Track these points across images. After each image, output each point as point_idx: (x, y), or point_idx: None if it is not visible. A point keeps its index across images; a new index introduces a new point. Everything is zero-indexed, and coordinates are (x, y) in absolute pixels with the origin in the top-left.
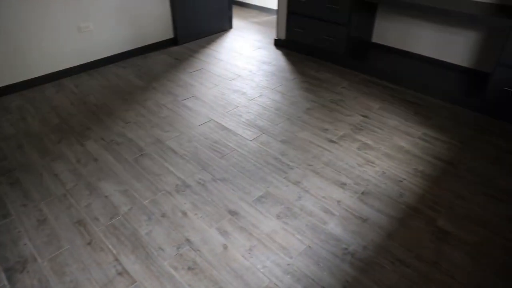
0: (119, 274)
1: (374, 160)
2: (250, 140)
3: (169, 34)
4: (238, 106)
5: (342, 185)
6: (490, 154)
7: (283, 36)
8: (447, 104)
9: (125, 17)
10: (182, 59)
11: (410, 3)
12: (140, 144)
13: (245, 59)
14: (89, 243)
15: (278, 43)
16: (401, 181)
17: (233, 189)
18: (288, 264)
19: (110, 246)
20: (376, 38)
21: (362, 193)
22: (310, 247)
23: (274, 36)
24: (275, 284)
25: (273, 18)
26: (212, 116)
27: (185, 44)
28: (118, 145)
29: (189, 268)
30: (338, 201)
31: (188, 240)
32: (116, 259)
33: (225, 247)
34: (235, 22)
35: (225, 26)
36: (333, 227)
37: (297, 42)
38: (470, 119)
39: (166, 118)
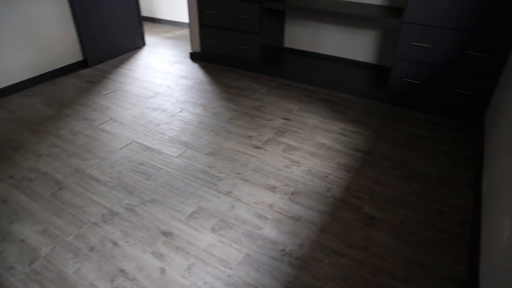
0: None
1: (300, 159)
2: (176, 157)
3: (77, 56)
4: (159, 124)
5: (272, 188)
6: (400, 140)
7: (198, 49)
8: (359, 98)
9: (25, 41)
10: (95, 82)
11: (313, 8)
12: (57, 177)
13: (162, 75)
14: None
15: (194, 56)
16: (326, 176)
17: (164, 209)
18: (229, 276)
19: None
20: (288, 43)
21: (292, 193)
22: (248, 255)
23: (189, 50)
24: None
25: (186, 31)
26: (134, 137)
27: (96, 65)
28: (31, 181)
29: None
30: (270, 205)
31: (122, 271)
32: None
33: (162, 270)
34: (148, 38)
35: (138, 43)
36: (269, 231)
37: (213, 54)
38: (380, 110)
39: (83, 145)
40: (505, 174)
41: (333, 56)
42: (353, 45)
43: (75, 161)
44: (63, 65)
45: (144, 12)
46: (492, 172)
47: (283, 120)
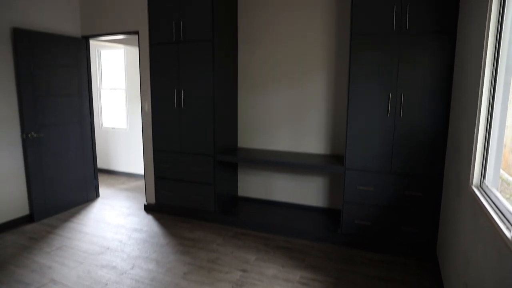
0: None
1: None
2: None
3: (23, 210)
4: (107, 284)
5: None
6: (361, 284)
7: (152, 200)
8: (315, 243)
9: None
10: (39, 238)
11: (264, 160)
12: None
13: (114, 229)
14: None
15: (148, 208)
16: None
17: None
18: None
19: None
20: (242, 192)
21: None
22: None
23: (144, 201)
24: None
25: (141, 183)
26: None
27: (43, 220)
28: None
29: None
30: None
31: None
32: None
33: None
34: (103, 190)
35: (91, 195)
36: None
37: (168, 205)
38: (337, 253)
39: None
40: None
41: (286, 203)
42: (304, 191)
43: None
44: (3, 221)
45: (101, 164)
46: None
47: (241, 272)
